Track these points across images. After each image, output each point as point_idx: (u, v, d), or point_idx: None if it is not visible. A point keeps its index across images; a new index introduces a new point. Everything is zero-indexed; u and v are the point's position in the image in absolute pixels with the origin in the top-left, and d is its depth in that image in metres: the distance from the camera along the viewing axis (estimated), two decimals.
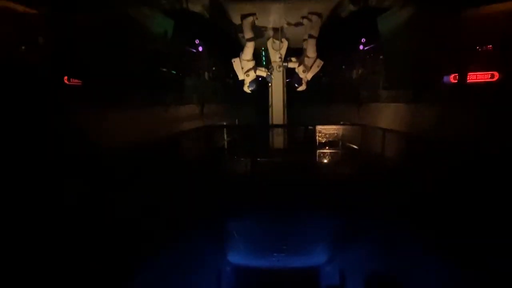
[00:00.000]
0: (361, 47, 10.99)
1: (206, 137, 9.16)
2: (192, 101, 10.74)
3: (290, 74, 10.43)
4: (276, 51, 10.05)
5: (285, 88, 10.75)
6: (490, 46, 7.13)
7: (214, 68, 13.23)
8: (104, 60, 6.45)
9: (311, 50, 9.37)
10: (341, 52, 12.35)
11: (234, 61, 9.72)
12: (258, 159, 8.35)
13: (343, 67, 13.14)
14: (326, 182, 7.08)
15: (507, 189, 4.07)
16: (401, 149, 7.07)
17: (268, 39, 10.40)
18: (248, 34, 9.05)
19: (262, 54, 11.70)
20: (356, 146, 8.68)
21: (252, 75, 9.75)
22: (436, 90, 7.59)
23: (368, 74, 11.02)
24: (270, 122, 10.81)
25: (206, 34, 11.60)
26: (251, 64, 9.69)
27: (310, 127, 9.08)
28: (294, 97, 11.28)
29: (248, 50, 9.41)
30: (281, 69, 10.16)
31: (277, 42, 10.00)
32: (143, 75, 8.26)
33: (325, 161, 8.84)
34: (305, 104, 13.73)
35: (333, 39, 10.65)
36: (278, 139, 10.17)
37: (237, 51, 9.91)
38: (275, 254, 6.82)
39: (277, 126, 10.37)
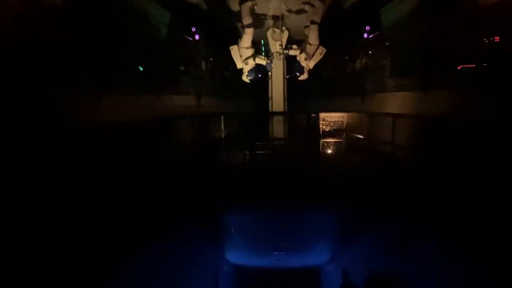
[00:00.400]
0: (365, 35, 10.41)
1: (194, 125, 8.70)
2: (189, 92, 10.28)
3: (291, 62, 9.89)
4: (276, 41, 9.53)
5: (285, 79, 10.24)
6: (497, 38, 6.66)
7: (211, 59, 12.73)
8: (98, 48, 6.00)
9: (313, 37, 8.85)
10: (344, 41, 11.76)
11: (232, 49, 9.22)
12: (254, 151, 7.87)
13: (346, 57, 12.55)
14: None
15: None
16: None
17: (268, 29, 9.89)
18: (247, 19, 8.56)
19: (262, 50, 11.15)
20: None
21: (251, 63, 9.25)
22: (443, 79, 7.13)
23: (373, 63, 10.44)
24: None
25: (204, 26, 11.12)
26: (250, 51, 9.19)
27: (313, 115, 8.58)
28: (293, 89, 10.78)
29: (247, 37, 8.92)
30: (281, 57, 9.63)
31: (278, 31, 9.46)
32: (136, 64, 7.85)
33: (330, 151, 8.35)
34: (304, 97, 13.23)
35: (335, 27, 10.09)
36: (278, 128, 9.66)
37: (236, 42, 9.36)
38: (275, 252, 6.43)
39: (277, 113, 9.87)
